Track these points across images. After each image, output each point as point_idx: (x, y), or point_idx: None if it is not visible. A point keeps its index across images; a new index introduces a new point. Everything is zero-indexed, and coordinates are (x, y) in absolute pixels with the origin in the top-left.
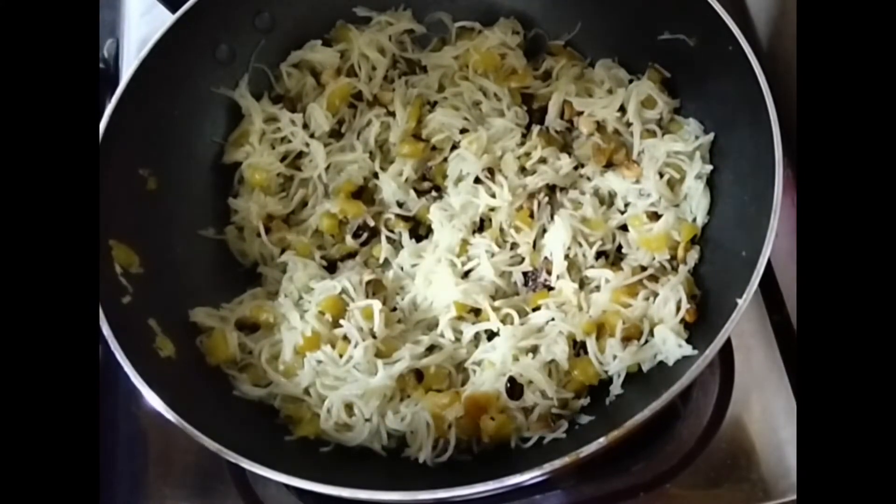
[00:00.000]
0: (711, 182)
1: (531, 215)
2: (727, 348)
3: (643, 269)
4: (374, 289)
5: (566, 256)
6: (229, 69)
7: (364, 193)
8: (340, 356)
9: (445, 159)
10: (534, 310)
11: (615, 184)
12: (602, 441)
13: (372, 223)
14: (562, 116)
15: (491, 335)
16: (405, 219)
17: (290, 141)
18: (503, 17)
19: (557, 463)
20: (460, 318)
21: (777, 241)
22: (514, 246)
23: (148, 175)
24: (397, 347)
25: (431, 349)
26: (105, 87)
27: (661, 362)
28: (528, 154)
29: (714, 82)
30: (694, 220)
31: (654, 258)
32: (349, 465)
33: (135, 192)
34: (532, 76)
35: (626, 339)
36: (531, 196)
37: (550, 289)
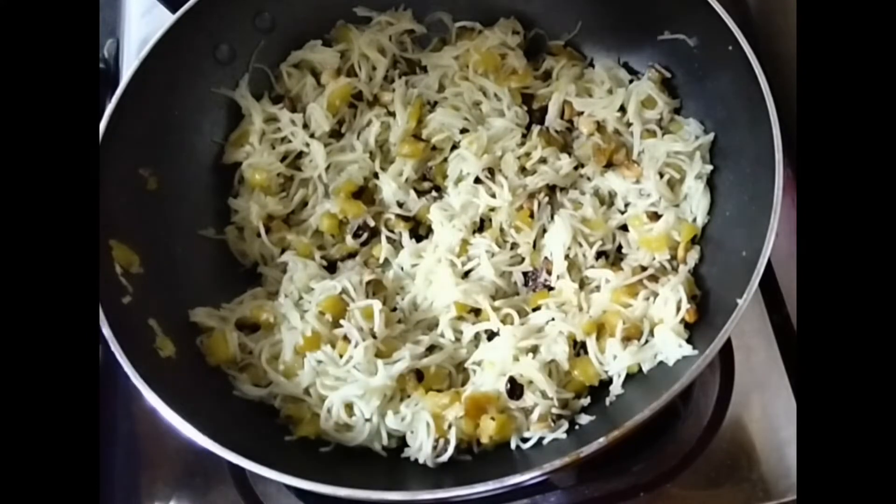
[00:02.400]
0: (711, 182)
1: (531, 215)
2: (727, 348)
3: (643, 269)
4: (375, 289)
5: (566, 256)
6: (229, 69)
7: (364, 193)
8: (340, 356)
9: (445, 159)
10: (534, 310)
11: (615, 184)
12: (602, 441)
13: (372, 223)
14: (562, 116)
15: (491, 335)
16: (405, 219)
17: (290, 141)
18: (503, 17)
19: (557, 463)
20: (460, 318)
21: (777, 241)
22: (514, 246)
23: (148, 175)
24: (397, 347)
25: (431, 349)
26: (105, 87)
27: (661, 362)
28: (528, 154)
29: (714, 82)
30: (694, 220)
31: (654, 258)
32: (349, 465)
33: (135, 192)
34: (532, 76)
35: (627, 340)
36: (531, 196)
37: (550, 289)
